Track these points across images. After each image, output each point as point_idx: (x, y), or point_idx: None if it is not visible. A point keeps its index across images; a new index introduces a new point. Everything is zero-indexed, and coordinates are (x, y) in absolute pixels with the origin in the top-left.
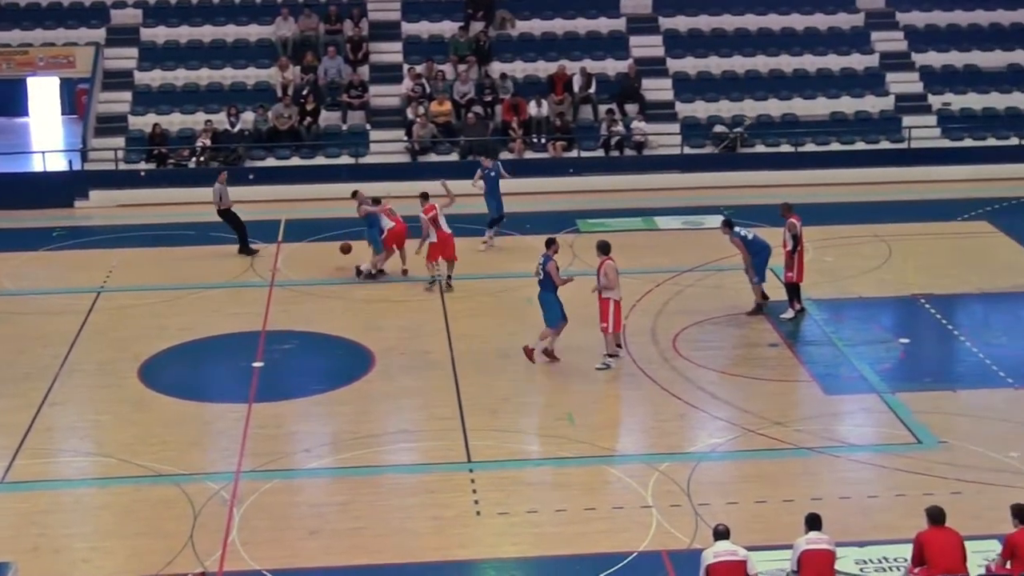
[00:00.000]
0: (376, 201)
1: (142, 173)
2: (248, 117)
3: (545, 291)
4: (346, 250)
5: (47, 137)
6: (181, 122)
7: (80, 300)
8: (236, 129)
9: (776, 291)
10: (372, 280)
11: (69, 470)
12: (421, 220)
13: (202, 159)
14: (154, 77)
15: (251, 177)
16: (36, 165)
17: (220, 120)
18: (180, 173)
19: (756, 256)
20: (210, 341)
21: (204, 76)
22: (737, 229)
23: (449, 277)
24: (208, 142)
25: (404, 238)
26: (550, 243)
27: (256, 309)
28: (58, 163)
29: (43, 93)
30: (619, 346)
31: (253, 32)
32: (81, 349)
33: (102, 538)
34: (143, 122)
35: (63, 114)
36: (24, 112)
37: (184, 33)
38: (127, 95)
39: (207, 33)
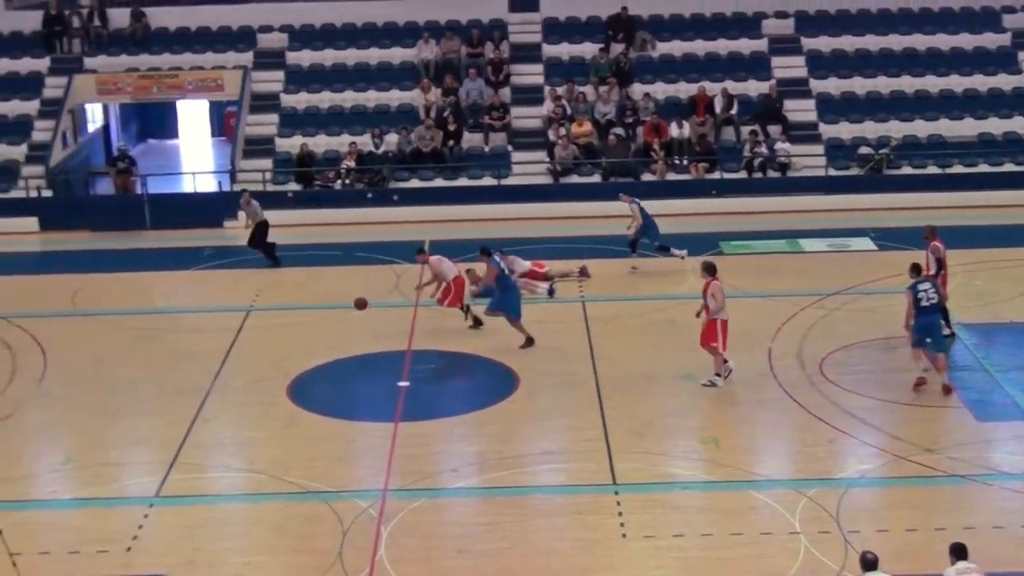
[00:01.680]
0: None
1: (289, 194)
2: (392, 139)
3: (935, 315)
4: (361, 306)
5: (197, 159)
6: (327, 144)
7: (230, 318)
8: (380, 151)
9: None
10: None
11: (222, 485)
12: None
13: (347, 180)
14: (300, 100)
15: (395, 198)
16: (187, 186)
17: (364, 142)
18: (326, 194)
19: (510, 291)
20: (357, 360)
21: (349, 98)
22: (496, 258)
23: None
24: (353, 164)
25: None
26: (918, 269)
27: (401, 329)
28: (208, 184)
29: (193, 116)
30: (726, 361)
31: (396, 55)
32: (232, 366)
33: (255, 553)
34: (290, 144)
35: (212, 136)
36: (175, 134)
37: (329, 56)
38: (274, 117)
39: (351, 56)
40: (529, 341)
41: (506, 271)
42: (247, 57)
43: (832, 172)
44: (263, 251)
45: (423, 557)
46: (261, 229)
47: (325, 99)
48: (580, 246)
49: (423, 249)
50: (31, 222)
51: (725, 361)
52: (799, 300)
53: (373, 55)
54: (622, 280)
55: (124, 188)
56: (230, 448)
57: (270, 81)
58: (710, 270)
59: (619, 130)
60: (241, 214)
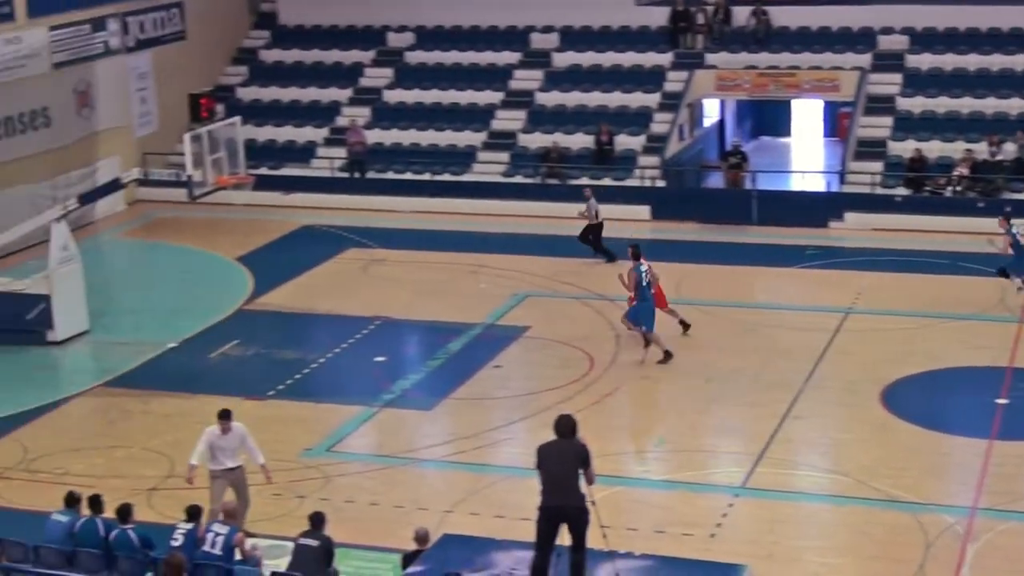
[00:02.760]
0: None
1: (898, 198)
2: (1010, 148)
3: None
4: None
5: (807, 158)
6: (940, 149)
7: (828, 319)
8: (996, 159)
9: None
10: None
11: (806, 483)
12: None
13: (959, 188)
14: (915, 103)
15: (1007, 209)
16: (795, 184)
17: (980, 149)
18: (936, 201)
19: (646, 301)
20: (954, 372)
21: (966, 104)
22: (640, 264)
23: None
24: (966, 171)
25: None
26: None
27: (1004, 344)
28: (816, 184)
29: (806, 115)
30: None
31: (1020, 61)
32: (826, 367)
33: (834, 554)
34: (902, 148)
35: (824, 136)
36: (787, 132)
37: (949, 61)
38: (888, 120)
39: (972, 61)
40: (667, 355)
41: (645, 281)
42: (865, 58)
43: None
44: (595, 250)
45: None
46: (595, 230)
47: (942, 104)
48: None
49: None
50: (643, 210)
51: None
52: None
53: (995, 61)
54: None
55: (734, 183)
56: (818, 448)
57: (887, 84)
58: None
59: None
60: (588, 207)
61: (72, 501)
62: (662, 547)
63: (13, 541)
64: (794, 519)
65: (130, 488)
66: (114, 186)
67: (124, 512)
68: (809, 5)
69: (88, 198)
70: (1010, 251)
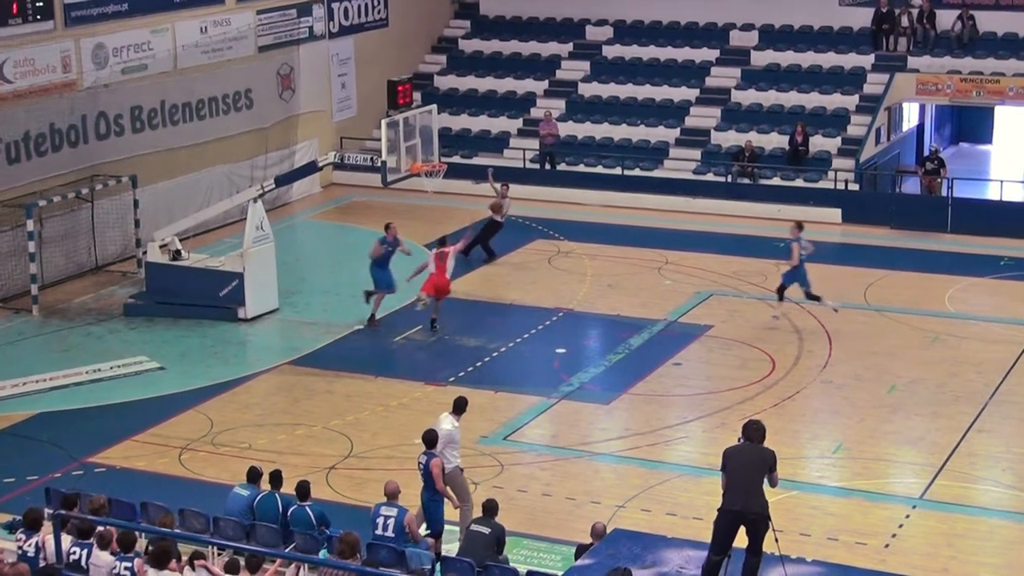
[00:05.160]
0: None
1: None
2: None
3: None
4: None
5: (1008, 166)
6: None
7: (1019, 331)
8: None
9: None
10: None
11: (987, 499)
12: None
13: None
14: None
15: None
16: (993, 193)
17: None
18: None
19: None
20: None
21: None
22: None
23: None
24: None
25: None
26: None
27: None
28: (1015, 193)
29: (1009, 122)
30: None
31: None
32: (1014, 381)
33: (1011, 573)
34: None
35: None
36: (988, 139)
37: None
38: None
39: None
40: (372, 319)
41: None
42: None
43: None
44: (483, 246)
45: None
46: (493, 228)
47: None
48: None
49: None
50: (835, 213)
51: None
52: None
53: None
54: None
55: (930, 189)
56: (1002, 463)
57: None
58: None
59: None
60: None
61: (254, 476)
62: (835, 555)
63: (194, 511)
64: (972, 535)
65: (309, 466)
66: (310, 169)
67: (303, 489)
68: (1017, 11)
69: (285, 179)
70: (796, 261)
